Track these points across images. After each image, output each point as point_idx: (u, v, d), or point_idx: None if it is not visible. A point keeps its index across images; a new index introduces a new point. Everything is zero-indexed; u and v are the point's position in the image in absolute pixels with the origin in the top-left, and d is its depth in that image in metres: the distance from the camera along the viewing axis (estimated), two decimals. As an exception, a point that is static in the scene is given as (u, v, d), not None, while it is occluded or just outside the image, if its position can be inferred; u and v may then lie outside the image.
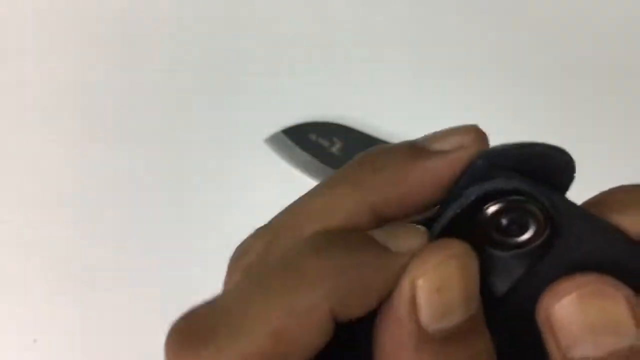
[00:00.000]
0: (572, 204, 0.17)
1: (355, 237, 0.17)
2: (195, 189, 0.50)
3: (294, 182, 0.49)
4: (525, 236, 0.17)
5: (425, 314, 0.16)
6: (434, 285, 0.16)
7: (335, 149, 0.50)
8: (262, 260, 0.18)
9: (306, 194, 0.19)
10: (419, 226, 0.18)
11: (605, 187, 0.20)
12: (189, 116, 0.52)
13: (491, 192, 0.17)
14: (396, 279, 0.16)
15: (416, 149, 0.18)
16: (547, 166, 0.18)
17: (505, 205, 0.17)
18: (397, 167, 0.18)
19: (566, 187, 0.18)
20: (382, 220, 0.18)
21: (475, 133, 0.18)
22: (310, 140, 0.50)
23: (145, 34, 0.54)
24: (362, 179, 0.18)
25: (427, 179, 0.18)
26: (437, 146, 0.18)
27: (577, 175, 0.18)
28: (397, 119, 0.51)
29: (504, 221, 0.17)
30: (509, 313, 0.17)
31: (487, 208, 0.17)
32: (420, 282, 0.16)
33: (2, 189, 0.51)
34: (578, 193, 0.20)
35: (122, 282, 0.48)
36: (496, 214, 0.17)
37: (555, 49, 0.52)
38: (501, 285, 0.17)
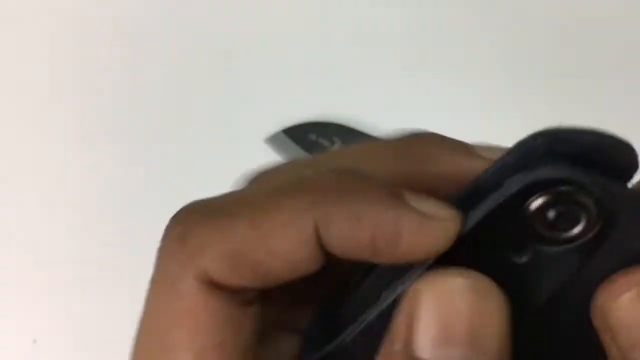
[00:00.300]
0: (628, 191, 0.16)
1: (377, 180, 0.16)
2: (195, 189, 0.50)
3: (294, 182, 0.49)
4: (576, 230, 0.15)
5: (421, 336, 0.14)
6: (438, 304, 0.14)
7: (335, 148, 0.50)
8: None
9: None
10: (455, 210, 0.15)
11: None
12: (189, 116, 0.52)
13: (537, 183, 0.15)
14: (395, 232, 0.15)
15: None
16: (608, 159, 0.16)
17: (553, 197, 0.15)
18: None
19: (625, 182, 0.16)
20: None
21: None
22: (310, 140, 0.50)
23: (144, 33, 0.54)
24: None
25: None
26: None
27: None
28: (397, 119, 0.51)
29: (552, 214, 0.15)
30: (560, 313, 0.16)
31: (533, 200, 0.15)
32: (425, 295, 0.14)
33: (1, 188, 0.51)
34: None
35: (123, 282, 0.48)
36: (542, 206, 0.15)
37: (555, 49, 0.52)
38: (549, 285, 0.16)
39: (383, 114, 0.51)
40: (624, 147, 0.16)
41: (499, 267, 0.15)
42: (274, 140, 0.50)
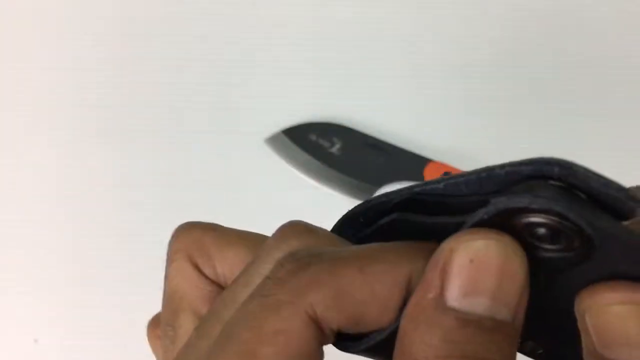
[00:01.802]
0: (613, 223, 0.16)
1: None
2: (195, 189, 0.50)
3: (294, 182, 0.49)
4: (559, 246, 0.16)
5: (452, 286, 0.16)
6: (469, 257, 0.16)
7: (335, 149, 0.50)
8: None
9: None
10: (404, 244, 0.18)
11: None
12: (189, 116, 0.52)
13: (518, 208, 0.16)
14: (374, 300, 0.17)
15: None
16: (605, 202, 0.16)
17: (537, 220, 0.16)
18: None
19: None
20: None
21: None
22: (310, 140, 0.50)
23: (145, 33, 0.54)
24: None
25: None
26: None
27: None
28: (397, 119, 0.51)
29: (537, 230, 0.16)
30: (549, 296, 0.17)
31: (521, 217, 0.16)
32: (457, 250, 0.16)
33: (2, 188, 0.51)
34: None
35: (123, 282, 0.48)
36: (529, 224, 0.16)
37: (558, 50, 0.52)
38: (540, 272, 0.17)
39: (383, 114, 0.51)
40: (622, 200, 0.16)
41: None
42: (274, 140, 0.50)
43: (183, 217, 0.50)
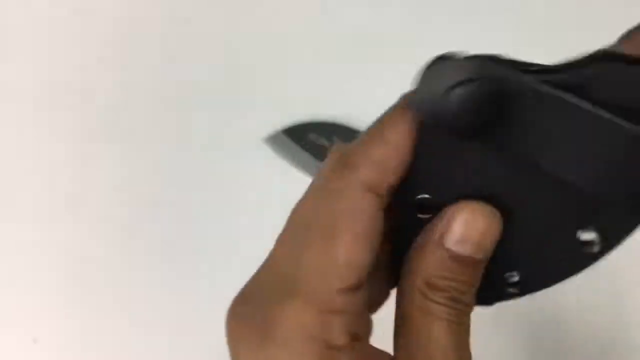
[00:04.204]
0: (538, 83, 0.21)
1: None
2: (195, 189, 0.50)
3: (294, 182, 0.49)
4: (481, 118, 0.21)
5: (451, 234, 0.23)
6: (465, 219, 0.23)
7: (335, 148, 0.50)
8: None
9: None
10: None
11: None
12: (189, 116, 0.52)
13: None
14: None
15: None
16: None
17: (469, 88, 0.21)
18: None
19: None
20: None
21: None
22: (310, 140, 0.50)
23: (144, 33, 0.54)
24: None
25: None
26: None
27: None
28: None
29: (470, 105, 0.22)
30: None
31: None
32: (460, 212, 0.23)
33: (2, 188, 0.51)
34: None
35: (122, 282, 0.48)
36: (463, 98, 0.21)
37: (556, 49, 0.52)
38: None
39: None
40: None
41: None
42: (274, 140, 0.50)
43: (183, 216, 0.50)
